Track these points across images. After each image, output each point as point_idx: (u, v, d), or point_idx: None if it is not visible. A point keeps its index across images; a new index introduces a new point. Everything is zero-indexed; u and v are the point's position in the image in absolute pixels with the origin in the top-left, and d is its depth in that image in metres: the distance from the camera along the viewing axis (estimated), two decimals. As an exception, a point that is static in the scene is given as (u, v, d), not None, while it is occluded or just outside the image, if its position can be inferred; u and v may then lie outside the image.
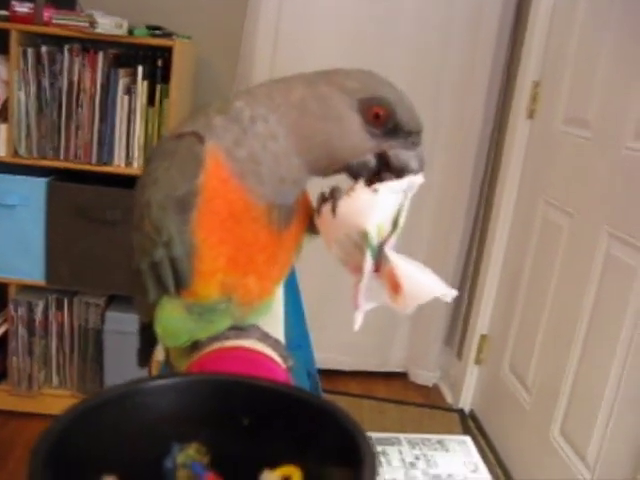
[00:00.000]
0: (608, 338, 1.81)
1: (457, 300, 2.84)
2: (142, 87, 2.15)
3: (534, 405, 2.24)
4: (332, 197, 0.65)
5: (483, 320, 2.66)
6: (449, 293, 0.59)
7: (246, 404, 0.46)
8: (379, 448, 1.32)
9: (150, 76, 2.17)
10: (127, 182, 2.15)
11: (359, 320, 0.61)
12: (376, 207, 0.61)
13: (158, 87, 2.17)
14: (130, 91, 2.16)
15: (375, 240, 0.60)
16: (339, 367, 2.86)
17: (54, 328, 2.30)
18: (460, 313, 2.88)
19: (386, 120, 0.62)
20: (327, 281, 2.53)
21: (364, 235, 0.60)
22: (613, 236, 1.86)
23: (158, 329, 0.71)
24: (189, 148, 0.62)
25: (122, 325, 2.24)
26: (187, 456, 0.44)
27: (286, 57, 2.55)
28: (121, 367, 2.27)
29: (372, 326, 2.74)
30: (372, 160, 0.63)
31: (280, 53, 2.56)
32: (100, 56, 2.12)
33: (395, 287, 0.59)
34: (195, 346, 0.71)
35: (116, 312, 2.28)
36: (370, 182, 0.63)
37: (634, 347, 1.70)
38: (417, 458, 1.28)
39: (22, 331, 2.28)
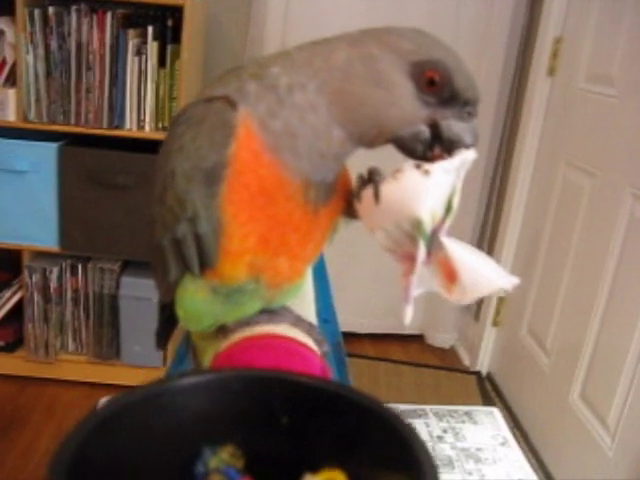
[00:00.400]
0: (631, 301, 1.78)
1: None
2: (152, 48, 2.10)
3: (553, 368, 2.22)
4: (373, 180, 0.58)
5: (501, 282, 2.62)
6: (510, 282, 0.54)
7: (284, 402, 0.42)
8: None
9: (160, 36, 2.11)
10: (139, 146, 2.12)
11: (409, 314, 0.55)
12: (429, 191, 0.54)
13: (169, 48, 2.11)
14: (140, 52, 2.11)
15: (429, 228, 0.54)
16: (355, 330, 2.83)
17: (69, 294, 2.29)
18: (477, 275, 2.85)
19: (442, 87, 0.56)
20: (344, 242, 2.50)
21: (417, 223, 0.54)
22: (638, 198, 1.81)
23: (180, 311, 0.66)
24: (220, 114, 0.57)
25: (137, 290, 2.22)
26: (220, 460, 0.41)
27: (299, 16, 2.48)
28: (137, 332, 2.26)
29: (387, 288, 2.72)
30: (426, 131, 0.57)
31: (292, 12, 2.49)
32: (109, 16, 2.06)
33: (451, 276, 0.54)
34: (222, 331, 0.67)
35: (131, 277, 2.26)
36: (422, 156, 0.57)
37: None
38: (445, 431, 1.26)
39: (37, 298, 2.27)
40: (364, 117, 0.57)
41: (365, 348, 2.84)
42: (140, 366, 2.28)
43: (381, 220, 0.57)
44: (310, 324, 0.70)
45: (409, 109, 0.56)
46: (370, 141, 0.58)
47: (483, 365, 2.73)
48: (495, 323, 2.66)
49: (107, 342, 2.32)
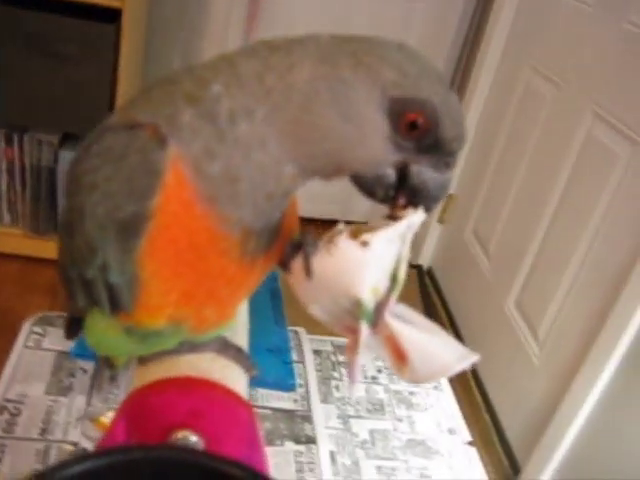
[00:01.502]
0: (577, 219, 1.78)
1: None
2: None
3: (493, 273, 2.26)
4: (304, 251, 0.50)
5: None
6: (470, 362, 0.49)
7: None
8: (341, 358, 1.30)
9: None
10: (84, 12, 1.95)
11: (356, 392, 0.51)
12: (368, 266, 0.48)
13: None
14: None
15: (371, 305, 0.48)
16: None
17: (4, 165, 2.17)
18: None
19: (424, 133, 0.47)
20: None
21: (356, 302, 0.47)
22: (598, 116, 1.77)
23: (89, 339, 0.59)
24: (144, 153, 0.46)
25: (77, 166, 2.12)
26: None
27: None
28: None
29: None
30: (391, 175, 0.49)
31: None
32: None
33: (400, 356, 0.48)
34: (139, 360, 0.60)
35: (70, 151, 2.15)
36: (381, 200, 0.49)
37: (602, 233, 1.68)
38: (379, 371, 1.26)
39: (-30, 167, 2.15)
40: (323, 153, 0.47)
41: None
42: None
43: (316, 294, 0.50)
44: (238, 349, 0.64)
45: (379, 152, 0.48)
46: (326, 176, 0.50)
47: (425, 259, 2.77)
48: (441, 220, 2.67)
49: (44, 216, 2.24)
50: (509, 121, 2.26)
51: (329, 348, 1.36)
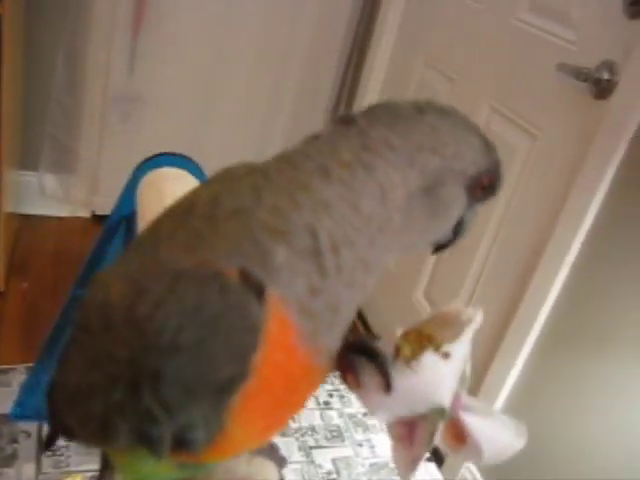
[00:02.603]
0: (482, 209, 1.83)
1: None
2: None
3: (399, 264, 2.29)
4: (379, 366, 0.47)
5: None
6: (524, 435, 0.51)
7: None
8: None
9: None
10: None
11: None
12: (450, 374, 0.48)
13: None
14: None
15: (449, 408, 0.48)
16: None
17: None
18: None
19: (490, 189, 0.51)
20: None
21: (439, 410, 0.47)
22: (495, 110, 1.84)
23: (126, 476, 0.51)
24: (241, 309, 0.40)
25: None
26: None
27: None
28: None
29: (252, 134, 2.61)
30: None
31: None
32: None
33: (459, 439, 0.49)
34: None
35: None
36: None
37: (506, 222, 1.74)
38: (330, 395, 1.25)
39: None
40: (415, 249, 0.49)
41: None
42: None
43: (389, 405, 0.49)
44: (271, 446, 0.60)
45: (454, 221, 0.52)
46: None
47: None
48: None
49: None
50: (405, 115, 2.30)
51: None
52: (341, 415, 1.23)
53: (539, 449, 1.52)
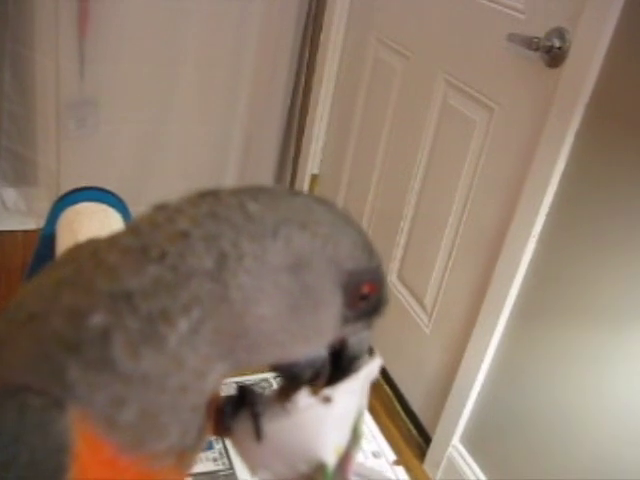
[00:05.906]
0: (446, 186, 1.83)
1: (286, 139, 2.75)
2: None
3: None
4: (251, 411, 0.43)
5: (313, 160, 2.61)
6: None
7: None
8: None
9: None
10: None
11: None
12: (333, 424, 0.42)
13: None
14: None
15: (333, 466, 0.42)
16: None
17: None
18: (289, 153, 2.80)
19: (372, 301, 0.42)
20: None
21: (319, 466, 0.42)
22: (451, 85, 1.82)
23: None
24: (43, 428, 0.36)
25: None
26: None
27: None
28: None
29: (204, 163, 2.58)
30: (325, 355, 0.43)
31: None
32: None
33: None
34: None
35: None
36: (304, 383, 0.42)
37: (472, 198, 1.73)
38: None
39: None
40: (262, 350, 0.40)
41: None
42: None
43: (266, 459, 0.44)
44: None
45: (329, 332, 0.42)
46: (254, 366, 0.43)
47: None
48: (310, 201, 2.66)
49: None
50: (363, 96, 2.28)
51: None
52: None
53: (522, 418, 1.53)
